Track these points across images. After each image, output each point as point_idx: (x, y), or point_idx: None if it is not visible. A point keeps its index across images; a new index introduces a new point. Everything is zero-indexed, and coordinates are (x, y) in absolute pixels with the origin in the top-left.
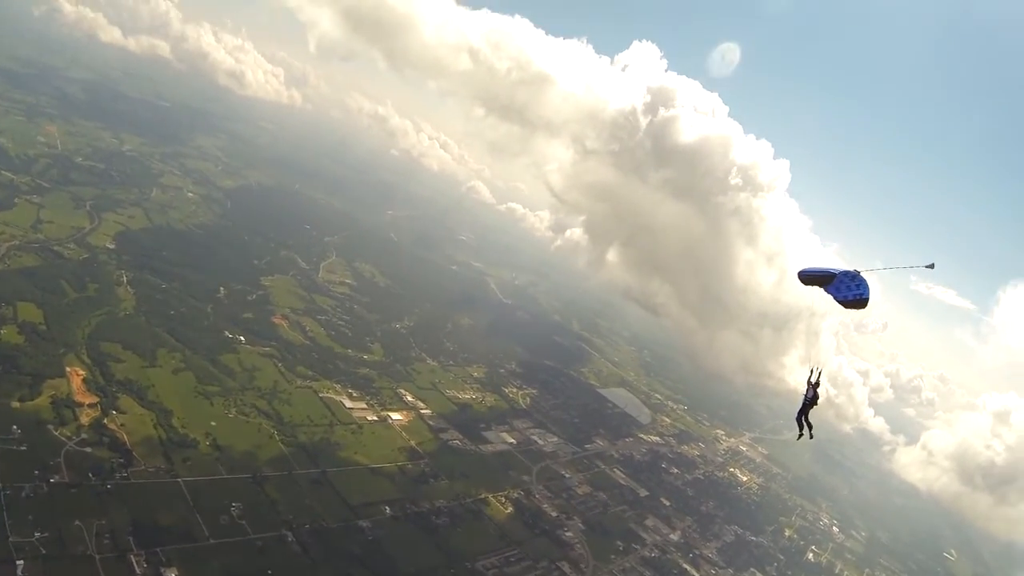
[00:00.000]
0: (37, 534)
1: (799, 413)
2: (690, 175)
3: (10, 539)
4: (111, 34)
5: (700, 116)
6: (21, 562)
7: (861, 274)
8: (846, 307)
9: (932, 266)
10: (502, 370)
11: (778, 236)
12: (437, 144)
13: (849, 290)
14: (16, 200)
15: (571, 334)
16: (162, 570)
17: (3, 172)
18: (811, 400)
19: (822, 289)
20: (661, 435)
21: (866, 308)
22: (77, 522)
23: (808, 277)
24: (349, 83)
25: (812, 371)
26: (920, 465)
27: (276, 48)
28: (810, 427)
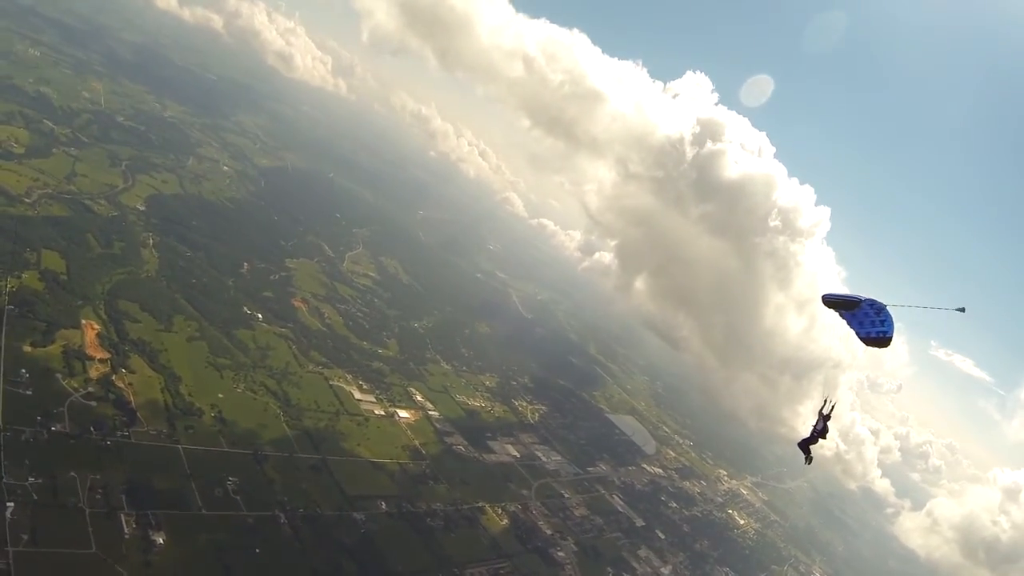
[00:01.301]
0: (31, 479)
1: (804, 441)
2: (730, 212)
3: (3, 480)
4: (167, 1)
5: (746, 154)
6: (11, 504)
7: (887, 308)
8: (867, 344)
9: (963, 310)
10: (514, 382)
11: (812, 283)
12: (476, 151)
13: (873, 326)
14: (54, 150)
15: (587, 356)
16: (151, 533)
17: (45, 121)
18: (820, 432)
19: (844, 320)
20: (664, 467)
21: (888, 347)
22: (72, 473)
23: (832, 301)
24: (395, 80)
25: (825, 402)
26: (923, 532)
27: (327, 36)
28: (808, 453)
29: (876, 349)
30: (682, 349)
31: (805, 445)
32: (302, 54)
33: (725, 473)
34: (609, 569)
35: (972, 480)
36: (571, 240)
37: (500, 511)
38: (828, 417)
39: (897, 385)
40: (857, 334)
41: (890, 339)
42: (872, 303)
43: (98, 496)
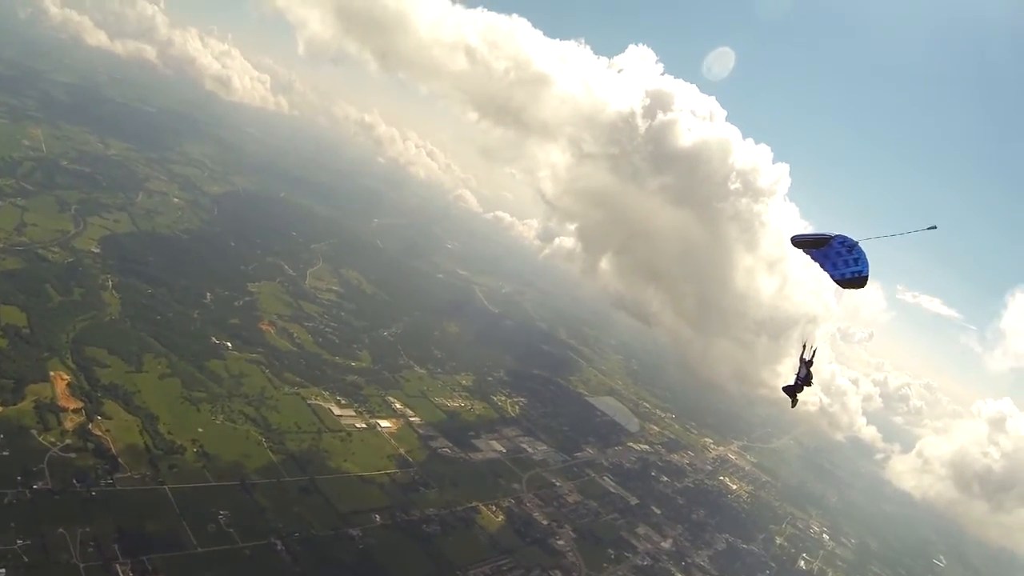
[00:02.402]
0: (20, 541)
1: (789, 388)
2: (689, 180)
3: None
4: (97, 37)
5: (698, 120)
6: (3, 570)
7: (860, 245)
8: (843, 286)
9: (935, 227)
10: (490, 378)
11: (779, 241)
12: (424, 152)
13: (847, 266)
14: (0, 203)
15: (559, 343)
16: None
17: None
18: (804, 379)
19: (816, 263)
20: (650, 443)
21: (864, 287)
22: (61, 530)
23: (800, 241)
24: (335, 91)
25: (804, 348)
26: (915, 473)
27: (262, 54)
28: (793, 397)
29: (853, 292)
30: (654, 324)
31: (790, 391)
32: (240, 75)
33: (711, 441)
34: (610, 551)
35: (953, 416)
36: (529, 229)
37: (494, 508)
38: (810, 363)
39: (869, 333)
40: (832, 276)
41: (866, 278)
42: (843, 240)
43: (90, 549)
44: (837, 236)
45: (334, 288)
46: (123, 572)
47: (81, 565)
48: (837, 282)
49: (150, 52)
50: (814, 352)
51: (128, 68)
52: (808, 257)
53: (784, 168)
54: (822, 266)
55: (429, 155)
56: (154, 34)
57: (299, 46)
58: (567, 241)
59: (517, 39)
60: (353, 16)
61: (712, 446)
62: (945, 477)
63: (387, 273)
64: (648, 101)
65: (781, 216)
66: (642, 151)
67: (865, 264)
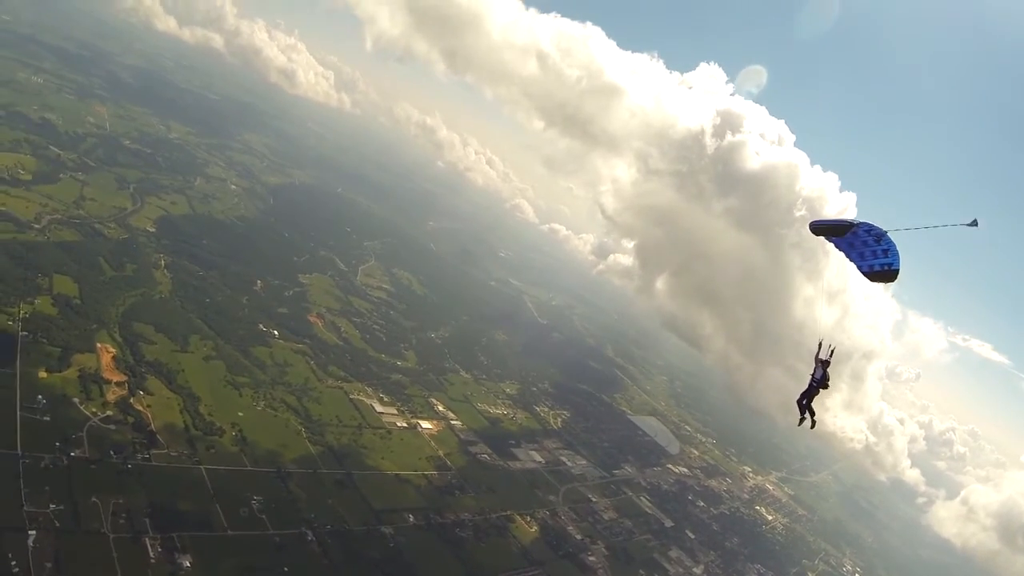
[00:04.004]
0: (52, 506)
1: (802, 396)
2: (754, 204)
3: (24, 508)
4: (167, 23)
5: (767, 143)
6: (33, 532)
7: (889, 235)
8: (871, 279)
9: (975, 223)
10: (535, 388)
11: (842, 272)
12: (483, 159)
13: (875, 257)
14: (61, 175)
15: (605, 359)
16: (176, 556)
17: (50, 147)
18: (819, 381)
19: (841, 252)
20: (689, 467)
21: (895, 281)
22: (94, 498)
23: (821, 227)
24: (398, 91)
25: (821, 345)
26: (958, 520)
27: (327, 51)
28: (812, 414)
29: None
30: (704, 348)
31: (804, 400)
32: (304, 70)
33: (750, 470)
34: (641, 571)
35: (997, 465)
36: (584, 244)
37: (529, 518)
38: (827, 364)
39: (916, 373)
40: (859, 268)
41: (896, 272)
42: (869, 228)
43: (121, 521)
44: (863, 223)
45: (385, 287)
46: (152, 546)
47: (111, 535)
48: (865, 275)
49: (217, 41)
50: (832, 351)
51: (195, 55)
52: (840, 253)
53: (851, 197)
54: (848, 256)
55: (488, 163)
56: (222, 23)
57: (367, 42)
58: (622, 258)
59: (590, 48)
60: (425, 13)
61: (751, 475)
62: (989, 528)
63: (439, 276)
64: (718, 120)
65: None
66: (709, 171)
67: (896, 256)
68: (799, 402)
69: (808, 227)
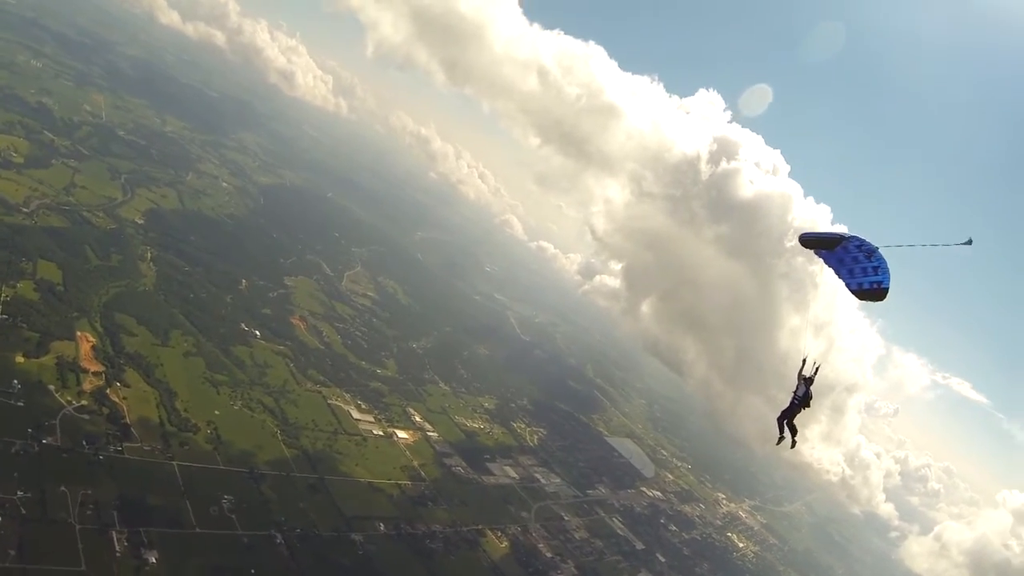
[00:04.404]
0: (20, 493)
1: (783, 414)
2: (746, 232)
3: None
4: (170, 16)
5: (761, 172)
6: None
7: (880, 252)
8: (860, 298)
9: (970, 242)
10: (513, 405)
11: (830, 305)
12: (475, 173)
13: (865, 274)
14: (53, 161)
15: (585, 379)
16: (143, 551)
17: (45, 132)
18: (801, 399)
19: (830, 268)
20: (663, 490)
21: (884, 300)
22: (63, 488)
23: (811, 240)
24: (395, 100)
25: (804, 362)
26: (930, 556)
27: (327, 55)
28: (793, 432)
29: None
30: (685, 374)
31: (784, 419)
32: (304, 73)
33: (723, 496)
34: None
35: (970, 503)
36: (571, 263)
37: (500, 534)
38: (811, 381)
39: (894, 409)
40: (848, 286)
41: (886, 290)
42: (860, 243)
43: (89, 512)
44: (853, 237)
45: (369, 294)
46: (118, 539)
47: (78, 526)
48: (854, 293)
49: (219, 38)
50: (816, 368)
51: (196, 50)
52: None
53: (842, 230)
54: (836, 272)
55: (480, 177)
56: (225, 21)
57: (368, 48)
58: (608, 280)
59: (591, 66)
60: (428, 22)
61: (724, 501)
62: (962, 565)
63: (424, 287)
64: (715, 146)
65: (834, 280)
66: (703, 197)
67: (886, 274)
68: (780, 420)
69: (798, 239)
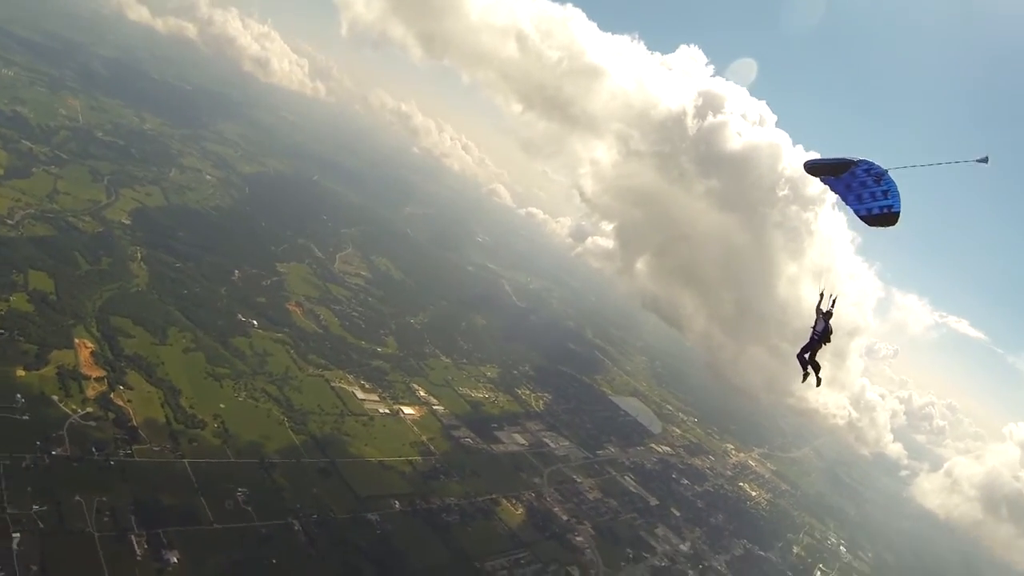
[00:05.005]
0: (35, 507)
1: (803, 350)
2: (736, 184)
3: (7, 511)
4: (139, 12)
5: (748, 124)
6: (17, 535)
7: (889, 174)
8: (870, 223)
9: (986, 159)
10: (515, 372)
11: (826, 251)
12: (459, 145)
13: (874, 199)
14: (34, 169)
15: (585, 341)
16: (163, 552)
17: (23, 141)
18: (820, 334)
19: (837, 194)
20: (672, 446)
21: (895, 225)
22: (77, 497)
23: (817, 166)
24: (372, 79)
25: (822, 296)
26: (942, 492)
27: (301, 39)
28: (817, 369)
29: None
30: (685, 328)
31: (805, 355)
32: (278, 58)
33: (732, 447)
34: (628, 550)
35: (975, 438)
36: (561, 227)
37: (515, 501)
38: (829, 315)
39: (894, 350)
40: (856, 212)
41: (897, 215)
42: (869, 166)
43: (106, 519)
44: (862, 161)
45: (362, 273)
46: (138, 543)
47: (96, 534)
48: (863, 219)
49: (191, 30)
50: (833, 301)
51: (168, 45)
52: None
53: None
54: (844, 199)
55: (464, 148)
56: (195, 12)
57: (342, 28)
58: (600, 240)
59: (571, 28)
60: None
61: (733, 452)
62: (973, 498)
63: (416, 262)
64: (700, 101)
65: (829, 225)
66: (691, 152)
67: (896, 198)
68: (800, 357)
69: (803, 166)
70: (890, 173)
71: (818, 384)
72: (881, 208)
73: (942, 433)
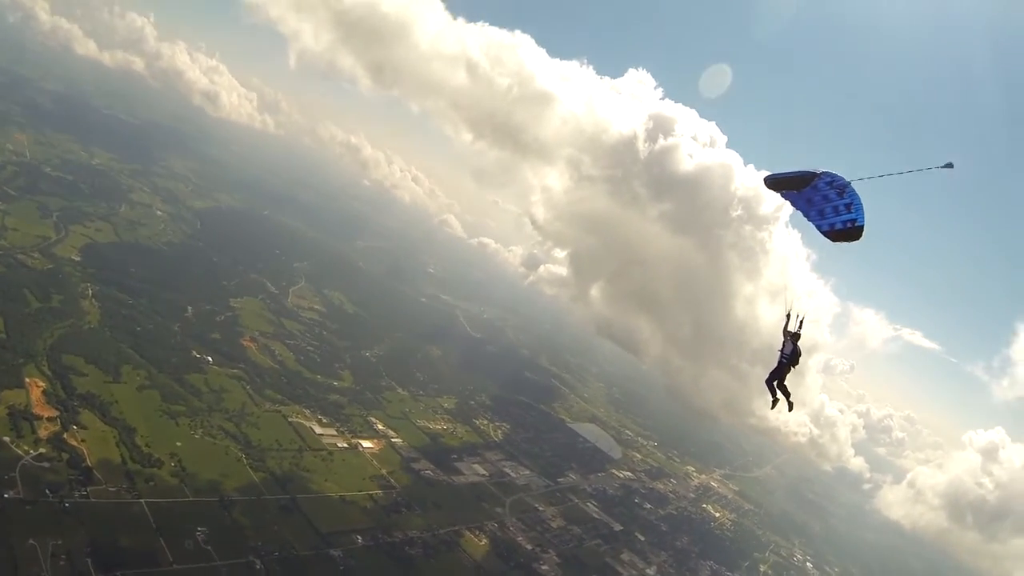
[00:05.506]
0: None
1: (771, 375)
2: (689, 206)
3: None
4: (86, 47)
5: (699, 146)
6: None
7: (852, 186)
8: (833, 239)
9: (951, 165)
10: (472, 402)
11: (782, 269)
12: (408, 176)
13: (836, 213)
14: None
15: (541, 369)
16: None
17: None
18: (789, 357)
19: (799, 211)
20: (633, 470)
21: (859, 240)
22: (32, 541)
23: (777, 182)
24: (321, 112)
25: (790, 316)
26: (906, 503)
27: (250, 72)
28: (787, 394)
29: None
30: (641, 352)
31: (773, 380)
32: (227, 92)
33: (693, 469)
34: None
35: (935, 447)
36: (513, 256)
37: (478, 532)
38: (797, 337)
39: (850, 365)
40: (819, 228)
41: (861, 229)
42: (831, 179)
43: (62, 562)
44: (824, 174)
45: (316, 307)
46: None
47: None
48: (826, 234)
49: (138, 64)
50: (801, 322)
51: (116, 79)
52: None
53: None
54: (806, 215)
55: (414, 180)
56: (143, 46)
57: (290, 59)
58: (553, 268)
59: (520, 55)
60: (351, 26)
61: (695, 474)
62: (937, 507)
63: (369, 295)
64: (650, 124)
65: (784, 243)
66: (643, 176)
67: (860, 211)
68: (769, 383)
69: (763, 181)
70: (853, 185)
71: (790, 409)
72: (844, 223)
73: (902, 444)
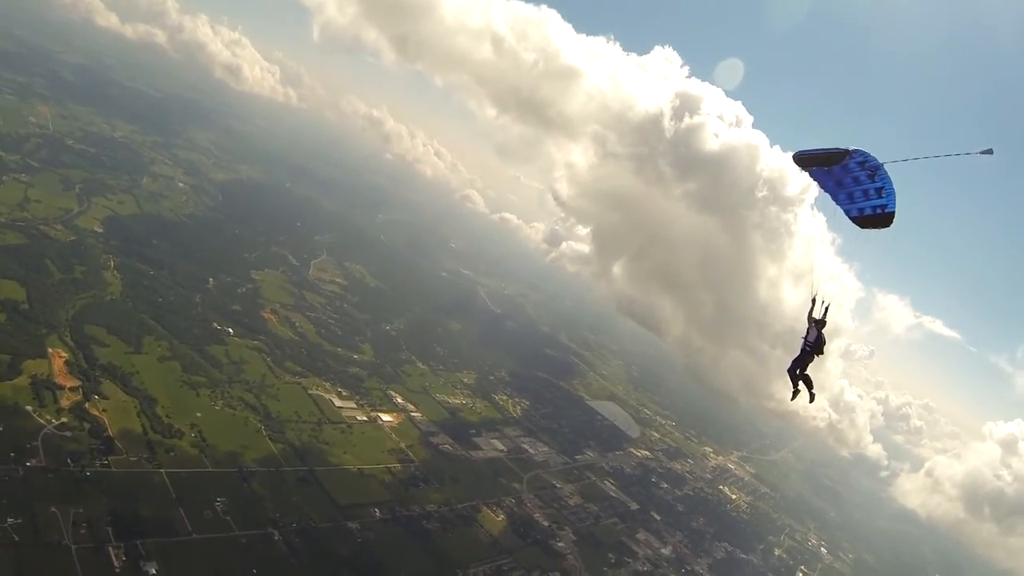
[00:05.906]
0: (10, 519)
1: (793, 364)
2: (714, 186)
3: None
4: (108, 19)
5: (725, 125)
6: None
7: (885, 168)
8: (863, 225)
9: (991, 151)
10: (492, 377)
11: (806, 252)
12: (431, 151)
13: (866, 198)
14: (4, 177)
15: (561, 346)
16: (142, 563)
17: None
18: (812, 345)
19: (828, 194)
20: (651, 450)
21: (889, 227)
22: (53, 509)
23: (806, 159)
24: (344, 85)
25: (814, 302)
26: (923, 492)
27: (273, 46)
28: (809, 384)
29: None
30: (662, 332)
31: (796, 369)
32: (249, 65)
33: (711, 450)
34: (610, 555)
35: (952, 437)
36: (536, 232)
37: (495, 507)
38: (822, 324)
39: (869, 351)
40: (847, 213)
41: (892, 215)
42: (863, 158)
43: (83, 531)
44: (856, 152)
45: (337, 280)
46: (115, 555)
47: (73, 546)
48: (855, 220)
49: (160, 37)
50: (826, 309)
51: (138, 52)
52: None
53: None
54: (834, 198)
55: (436, 154)
56: (165, 19)
57: (314, 33)
58: (575, 245)
59: (546, 30)
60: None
61: (712, 455)
62: (955, 498)
63: (391, 268)
64: (677, 102)
65: (809, 226)
66: (668, 154)
67: (891, 196)
68: (791, 372)
69: (792, 158)
70: (886, 167)
71: (811, 400)
72: (874, 208)
73: (919, 433)
